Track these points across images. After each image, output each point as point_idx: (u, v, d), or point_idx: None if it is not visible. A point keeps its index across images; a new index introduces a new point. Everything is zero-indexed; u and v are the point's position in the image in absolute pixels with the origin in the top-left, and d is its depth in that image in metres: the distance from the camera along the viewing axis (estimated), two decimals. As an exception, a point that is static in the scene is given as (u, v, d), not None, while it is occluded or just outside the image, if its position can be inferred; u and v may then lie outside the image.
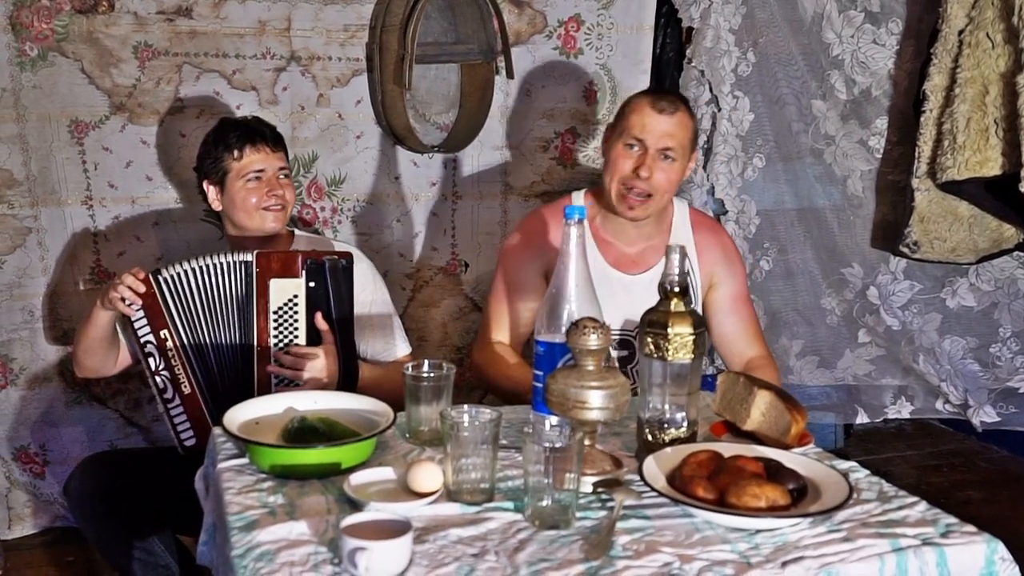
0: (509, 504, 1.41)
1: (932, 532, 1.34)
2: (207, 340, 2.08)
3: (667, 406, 1.56)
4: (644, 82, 3.02)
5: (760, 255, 3.12)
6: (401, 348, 2.32)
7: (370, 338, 2.27)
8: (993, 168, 2.51)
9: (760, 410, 1.59)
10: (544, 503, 1.35)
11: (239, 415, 1.64)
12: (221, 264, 2.08)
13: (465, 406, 1.49)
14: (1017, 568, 1.32)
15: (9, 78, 2.48)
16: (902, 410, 3.03)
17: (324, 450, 1.51)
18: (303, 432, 1.59)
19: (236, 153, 2.20)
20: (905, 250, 2.74)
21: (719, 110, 3.08)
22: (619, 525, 1.34)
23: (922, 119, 2.62)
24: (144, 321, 2.07)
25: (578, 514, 1.37)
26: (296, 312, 2.06)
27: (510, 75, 2.81)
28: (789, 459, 1.47)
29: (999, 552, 1.31)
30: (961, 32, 2.53)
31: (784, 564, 1.25)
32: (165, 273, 2.07)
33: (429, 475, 1.41)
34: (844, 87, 2.87)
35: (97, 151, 2.60)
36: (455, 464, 1.42)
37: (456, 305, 3.04)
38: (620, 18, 3.00)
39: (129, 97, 2.60)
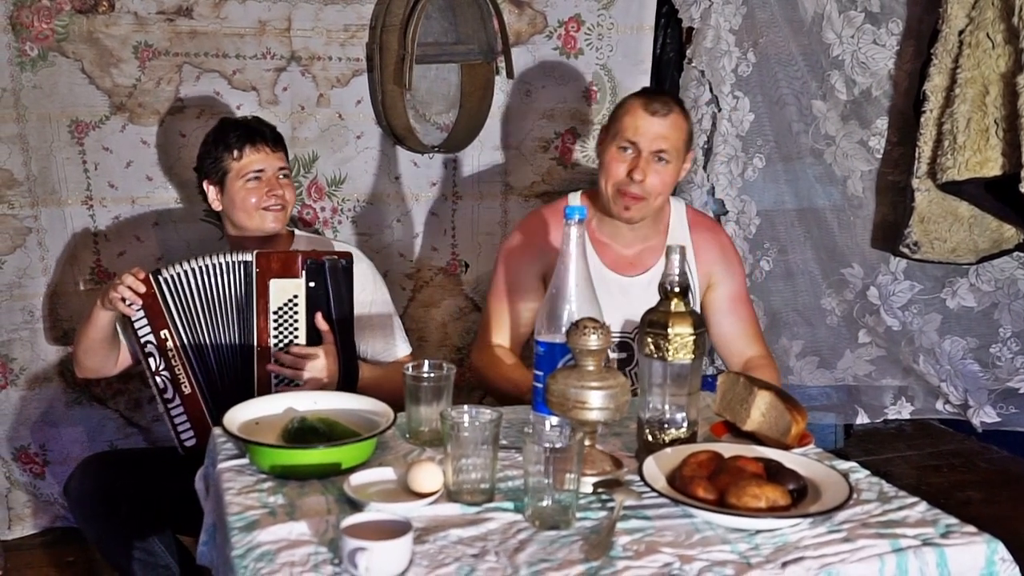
0: (509, 504, 1.41)
1: (932, 532, 1.33)
2: (207, 340, 2.08)
3: (667, 406, 1.56)
4: (644, 82, 3.02)
5: (760, 255, 3.12)
6: (401, 348, 2.32)
7: (370, 338, 2.27)
8: (993, 168, 2.51)
9: (760, 410, 1.59)
10: (544, 503, 1.35)
11: (239, 415, 1.64)
12: (221, 264, 2.08)
13: (465, 406, 1.49)
14: (1017, 568, 1.32)
15: (9, 78, 2.48)
16: (902, 410, 3.03)
17: (324, 450, 1.51)
18: (303, 432, 1.59)
19: (236, 153, 2.20)
20: (905, 250, 2.74)
21: (719, 110, 3.08)
22: (619, 525, 1.34)
23: (922, 119, 2.62)
24: (144, 321, 2.07)
25: (578, 514, 1.37)
26: (296, 312, 2.06)
27: (510, 75, 2.81)
28: (789, 459, 1.47)
29: (999, 552, 1.31)
30: (961, 32, 2.53)
31: (784, 564, 1.25)
32: (165, 273, 2.07)
33: (429, 475, 1.41)
34: (844, 87, 2.87)
35: (97, 151, 2.60)
36: (455, 464, 1.42)
37: (456, 305, 3.04)
38: (620, 18, 3.00)
39: (129, 97, 2.60)
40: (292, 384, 2.04)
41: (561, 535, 1.33)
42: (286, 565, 1.24)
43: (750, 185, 3.10)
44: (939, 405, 2.97)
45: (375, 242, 2.90)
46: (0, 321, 2.61)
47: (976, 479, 3.37)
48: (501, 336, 2.25)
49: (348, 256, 2.10)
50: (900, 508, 1.41)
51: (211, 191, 2.25)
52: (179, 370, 2.07)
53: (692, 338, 1.53)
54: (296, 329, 2.06)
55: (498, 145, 2.98)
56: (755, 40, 3.01)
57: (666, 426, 1.56)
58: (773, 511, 1.33)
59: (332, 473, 1.50)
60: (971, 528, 1.35)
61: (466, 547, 1.29)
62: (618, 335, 2.18)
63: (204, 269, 2.08)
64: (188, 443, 2.08)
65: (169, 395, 2.08)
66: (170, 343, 2.07)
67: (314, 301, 2.06)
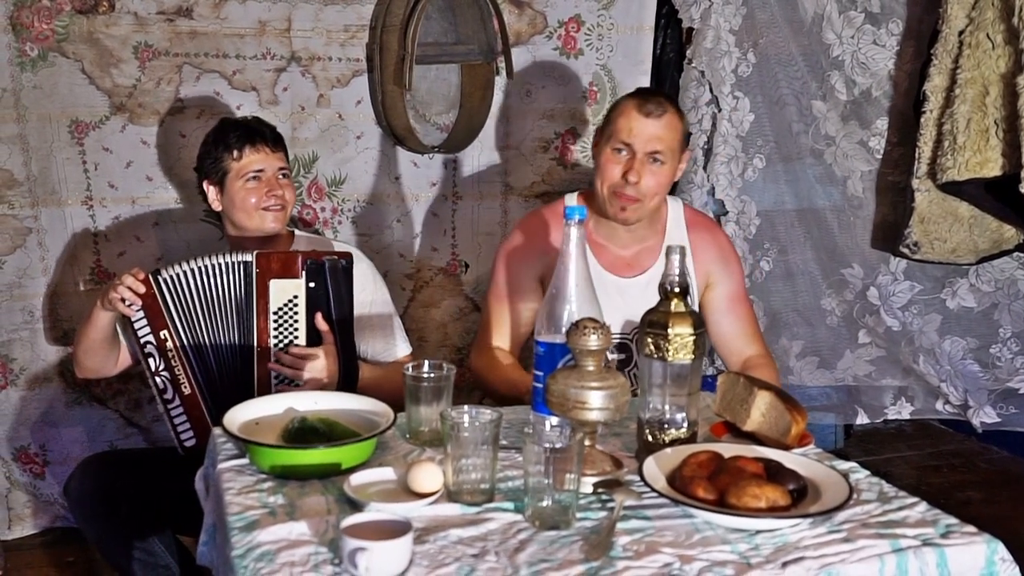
0: (509, 504, 1.41)
1: (932, 533, 1.34)
2: (207, 340, 2.08)
3: (667, 407, 1.56)
4: (644, 83, 3.02)
5: (760, 256, 3.12)
6: (401, 348, 2.32)
7: (370, 338, 2.27)
8: (993, 169, 2.51)
9: (760, 411, 1.59)
10: (544, 504, 1.35)
11: (239, 415, 1.64)
12: (221, 264, 2.08)
13: (465, 407, 1.49)
14: (1017, 568, 1.32)
15: (9, 78, 2.48)
16: (902, 411, 3.03)
17: (324, 450, 1.51)
18: (303, 432, 1.59)
19: (236, 153, 2.20)
20: (905, 251, 2.74)
21: (719, 111, 3.08)
22: (619, 526, 1.34)
23: (922, 120, 2.62)
24: (144, 321, 2.07)
25: (578, 515, 1.37)
26: (296, 312, 2.06)
27: (510, 76, 2.81)
28: (789, 460, 1.47)
29: (999, 552, 1.31)
30: (961, 33, 2.53)
31: (784, 565, 1.25)
32: (165, 273, 2.07)
33: (429, 475, 1.41)
34: (844, 88, 2.87)
35: (97, 151, 2.60)
36: (455, 464, 1.42)
37: (456, 305, 3.04)
38: (620, 19, 3.00)
39: (129, 97, 2.60)
40: (292, 384, 2.04)
41: (561, 535, 1.33)
42: (286, 565, 1.24)
43: (750, 185, 3.10)
44: (939, 405, 2.97)
45: (375, 242, 2.90)
46: (0, 321, 2.61)
47: (976, 479, 3.37)
48: (500, 337, 2.25)
49: (348, 256, 2.10)
50: (900, 508, 1.41)
51: (211, 191, 2.25)
52: (179, 370, 2.07)
53: (692, 338, 1.53)
54: (296, 329, 2.06)
55: (498, 145, 2.98)
56: (755, 40, 3.01)
57: (666, 426, 1.56)
58: (773, 511, 1.33)
59: (332, 473, 1.50)
60: (971, 528, 1.35)
61: (466, 547, 1.29)
62: (616, 336, 2.18)
63: (204, 269, 2.08)
64: (188, 443, 2.08)
65: (169, 395, 2.08)
66: (170, 343, 2.07)
67: (314, 301, 2.06)
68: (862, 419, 3.09)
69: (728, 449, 1.50)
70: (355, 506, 1.38)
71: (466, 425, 1.44)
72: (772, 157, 3.06)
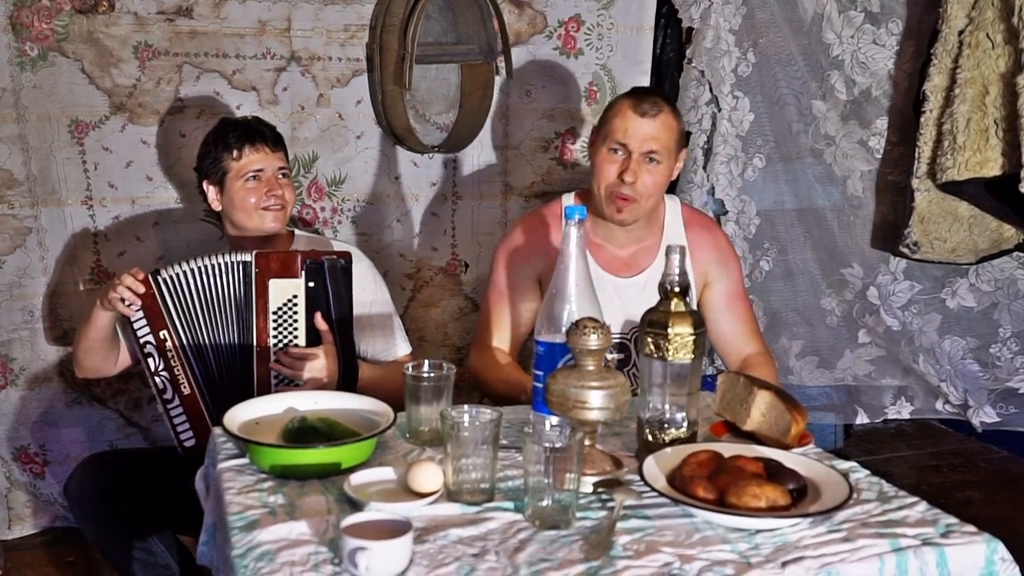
0: (509, 504, 1.41)
1: (932, 532, 1.34)
2: (207, 341, 2.08)
3: (667, 406, 1.56)
4: (644, 82, 3.02)
5: (760, 255, 3.12)
6: (401, 348, 2.32)
7: (370, 338, 2.27)
8: (993, 168, 2.51)
9: (760, 410, 1.59)
10: (544, 503, 1.35)
11: (239, 415, 1.65)
12: (220, 264, 2.08)
13: (465, 406, 1.49)
14: (1017, 568, 1.32)
15: (9, 78, 2.48)
16: (902, 410, 3.03)
17: (324, 450, 1.51)
18: (303, 432, 1.59)
19: (235, 153, 2.20)
20: (905, 250, 2.74)
21: (719, 110, 3.08)
22: (619, 525, 1.35)
23: (922, 119, 2.62)
24: (143, 322, 2.06)
25: (578, 514, 1.37)
26: (295, 312, 2.06)
27: (510, 75, 2.81)
28: (789, 459, 1.47)
29: (999, 552, 1.31)
30: (961, 32, 2.53)
31: (784, 564, 1.25)
32: (164, 274, 2.07)
33: (429, 475, 1.41)
34: (844, 87, 2.87)
35: (97, 151, 2.60)
36: (455, 464, 1.42)
37: (456, 305, 3.04)
38: (620, 18, 3.00)
39: (129, 97, 2.60)
40: (292, 384, 2.04)
41: (561, 535, 1.33)
42: (286, 565, 1.24)
43: (750, 185, 3.10)
44: (939, 405, 2.97)
45: (375, 242, 2.90)
46: (0, 321, 2.61)
47: (976, 479, 3.37)
48: (498, 338, 2.25)
49: (347, 256, 2.10)
50: (900, 508, 1.41)
51: (211, 191, 2.25)
52: (178, 371, 2.07)
53: (692, 338, 1.53)
54: (296, 329, 2.06)
55: (498, 145, 2.98)
56: (755, 40, 3.01)
57: (666, 426, 1.57)
58: (773, 511, 1.33)
59: (332, 473, 1.50)
60: (971, 528, 1.35)
61: (466, 547, 1.29)
62: (615, 336, 2.17)
63: (203, 269, 2.08)
64: (187, 443, 2.08)
65: (168, 395, 2.08)
66: (169, 344, 2.07)
67: (313, 301, 2.06)
68: (862, 419, 3.09)
69: (728, 449, 1.50)
70: (355, 506, 1.38)
71: (466, 425, 1.44)
72: (772, 157, 3.06)
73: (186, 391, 2.07)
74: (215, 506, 1.55)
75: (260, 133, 2.23)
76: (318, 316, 2.06)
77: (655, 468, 1.45)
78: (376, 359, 2.28)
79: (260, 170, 2.21)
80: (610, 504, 1.41)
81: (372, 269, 2.33)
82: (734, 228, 3.12)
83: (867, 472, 1.55)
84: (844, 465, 1.56)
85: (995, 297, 2.84)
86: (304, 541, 1.30)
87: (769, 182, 3.08)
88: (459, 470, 1.42)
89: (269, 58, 2.70)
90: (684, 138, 2.23)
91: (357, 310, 2.16)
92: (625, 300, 2.20)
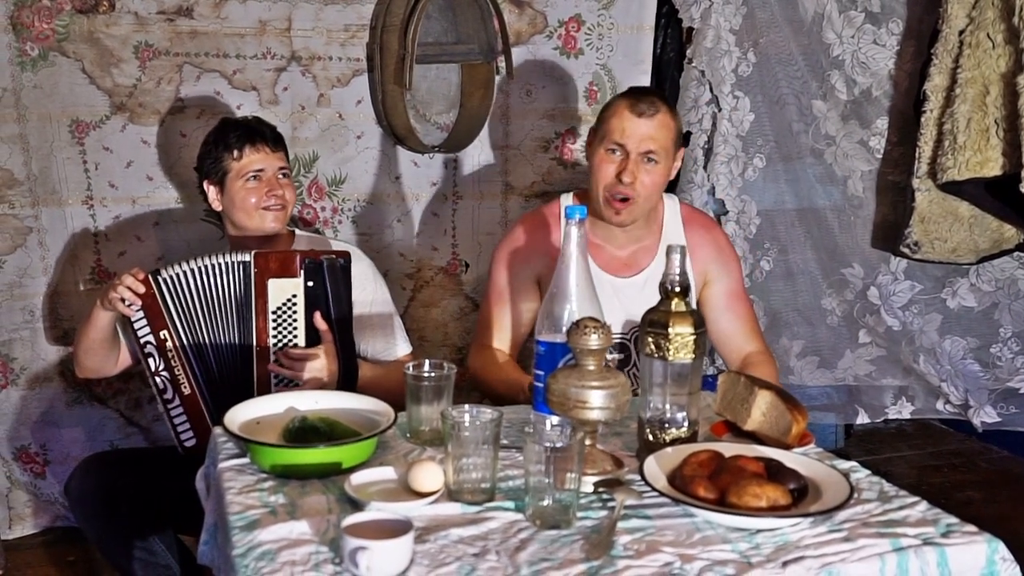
0: (510, 504, 1.41)
1: (933, 532, 1.34)
2: (207, 340, 2.08)
3: (668, 406, 1.56)
4: (644, 82, 3.02)
5: (760, 255, 3.12)
6: (402, 348, 2.32)
7: (371, 338, 2.27)
8: (993, 168, 2.51)
9: (761, 410, 1.59)
10: (545, 503, 1.35)
11: (240, 415, 1.65)
12: (220, 264, 2.08)
13: (466, 406, 1.49)
14: (1018, 568, 1.32)
15: (10, 78, 2.48)
16: (902, 410, 3.03)
17: (325, 450, 1.51)
18: (304, 432, 1.59)
19: (236, 153, 2.20)
20: (906, 250, 2.74)
21: (719, 110, 3.08)
22: (620, 525, 1.35)
23: (922, 119, 2.62)
24: (144, 322, 2.06)
25: (579, 514, 1.37)
26: (295, 312, 2.06)
27: (510, 75, 2.81)
28: (790, 459, 1.47)
29: (1000, 552, 1.31)
30: (962, 32, 2.53)
31: (785, 564, 1.25)
32: (164, 274, 2.07)
33: (430, 475, 1.41)
34: (844, 87, 2.87)
35: (98, 151, 2.60)
36: (456, 464, 1.42)
37: (456, 305, 3.04)
38: (620, 18, 3.00)
39: (130, 97, 2.60)
40: (292, 384, 2.04)
41: (562, 534, 1.33)
42: (287, 564, 1.24)
43: (750, 185, 3.10)
44: (939, 405, 2.97)
45: (375, 242, 2.90)
46: (0, 321, 2.61)
47: (976, 479, 3.37)
48: (497, 338, 2.25)
49: (346, 255, 2.10)
50: (901, 508, 1.41)
51: (211, 191, 2.25)
52: (179, 371, 2.07)
53: (693, 338, 1.53)
54: (295, 329, 2.06)
55: (498, 145, 2.98)
56: (755, 40, 3.01)
57: (667, 426, 1.56)
58: (774, 510, 1.33)
59: (333, 472, 1.50)
60: (972, 527, 1.35)
61: (467, 546, 1.29)
62: (615, 336, 2.17)
63: (203, 269, 2.08)
64: (188, 443, 2.08)
65: (169, 395, 2.08)
66: (169, 343, 2.07)
67: (313, 300, 2.06)
68: (862, 419, 3.09)
69: (729, 448, 1.50)
70: (356, 505, 1.38)
71: (467, 424, 1.44)
72: (772, 157, 3.06)
73: (186, 391, 2.07)
74: (216, 506, 1.55)
75: (260, 133, 2.23)
76: (317, 315, 2.06)
77: (656, 468, 1.45)
78: (376, 359, 2.28)
79: (261, 170, 2.21)
80: (611, 504, 1.41)
81: (372, 269, 2.33)
82: (734, 228, 3.12)
83: (868, 472, 1.55)
84: (845, 465, 1.56)
85: (996, 297, 2.84)
86: (305, 541, 1.30)
87: (769, 182, 3.08)
88: (460, 470, 1.42)
89: (269, 58, 2.70)
90: (682, 137, 2.23)
91: (357, 310, 2.15)
92: (625, 300, 2.20)
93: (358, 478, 1.45)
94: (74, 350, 2.27)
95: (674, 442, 1.55)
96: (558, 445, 1.34)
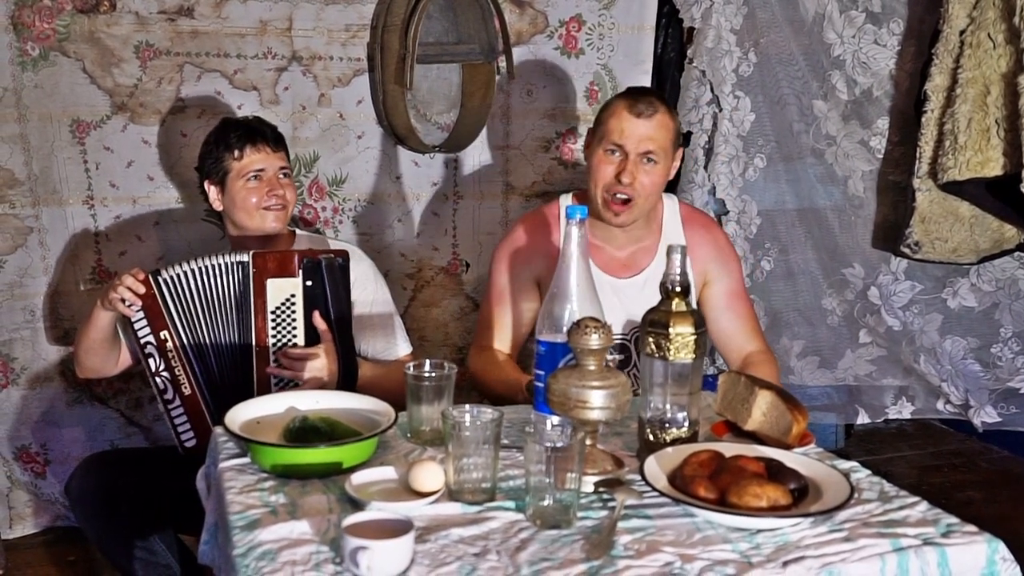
0: (510, 504, 1.41)
1: (933, 532, 1.33)
2: (207, 341, 2.08)
3: (668, 406, 1.56)
4: (645, 82, 3.02)
5: (761, 255, 3.12)
6: (402, 348, 2.32)
7: (371, 338, 2.27)
8: (994, 168, 2.51)
9: (761, 410, 1.59)
10: (545, 503, 1.35)
11: (241, 414, 1.65)
12: (219, 265, 2.08)
13: (467, 406, 1.49)
14: (1018, 568, 1.32)
15: (11, 78, 2.48)
16: (903, 410, 3.03)
17: (325, 449, 1.51)
18: (304, 431, 1.59)
19: (237, 153, 2.20)
20: (906, 250, 2.74)
21: (720, 110, 3.08)
22: (620, 525, 1.35)
23: (923, 119, 2.62)
24: (144, 322, 2.06)
25: (579, 514, 1.37)
26: (294, 311, 2.06)
27: (511, 75, 2.81)
28: (790, 459, 1.47)
29: (1000, 552, 1.31)
30: (962, 32, 2.53)
31: (785, 564, 1.25)
32: (164, 274, 2.07)
33: (430, 475, 1.41)
34: (845, 87, 2.87)
35: (98, 151, 2.60)
36: (456, 464, 1.42)
37: (457, 305, 3.04)
38: (621, 18, 3.00)
39: (130, 97, 2.60)
40: (292, 384, 2.04)
41: (562, 534, 1.33)
42: (287, 564, 1.24)
43: (751, 185, 3.10)
44: (940, 405, 2.97)
45: (376, 242, 2.90)
46: (1, 320, 2.61)
47: (977, 479, 3.37)
48: (497, 338, 2.25)
49: (344, 254, 2.10)
50: (901, 508, 1.41)
51: (212, 191, 2.25)
52: (179, 371, 2.07)
53: (693, 338, 1.53)
54: (294, 328, 2.06)
55: (499, 145, 2.98)
56: (756, 40, 3.01)
57: (667, 425, 1.56)
58: (774, 510, 1.33)
59: (333, 472, 1.50)
60: (972, 528, 1.35)
61: (467, 546, 1.29)
62: (615, 337, 2.17)
63: (202, 270, 2.08)
64: (188, 444, 2.08)
65: (169, 396, 2.08)
66: (170, 344, 2.07)
67: (311, 300, 2.06)
68: (863, 419, 3.09)
69: (729, 448, 1.50)
70: (356, 505, 1.38)
71: (467, 424, 1.44)
72: (773, 157, 3.06)
73: (187, 391, 2.07)
74: (216, 505, 1.55)
75: (261, 133, 2.23)
76: (316, 315, 2.06)
77: (656, 468, 1.45)
78: (377, 359, 2.28)
79: (261, 170, 2.21)
80: (611, 504, 1.41)
81: (373, 269, 2.33)
82: (735, 228, 3.12)
83: (868, 472, 1.55)
84: (845, 465, 1.56)
85: (996, 297, 2.84)
86: (305, 540, 1.30)
87: (770, 182, 3.08)
88: (460, 470, 1.42)
89: (270, 58, 2.70)
90: (681, 137, 2.23)
91: (358, 310, 2.15)
92: (625, 301, 2.19)
93: (359, 478, 1.45)
94: (75, 350, 2.27)
95: (674, 442, 1.55)
96: (559, 445, 1.34)
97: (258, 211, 2.21)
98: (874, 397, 3.07)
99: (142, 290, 2.04)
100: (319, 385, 2.01)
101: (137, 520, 2.12)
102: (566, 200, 2.30)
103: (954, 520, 1.37)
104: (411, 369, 1.67)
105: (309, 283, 2.05)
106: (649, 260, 2.25)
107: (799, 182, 3.03)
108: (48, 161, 2.57)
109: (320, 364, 2.04)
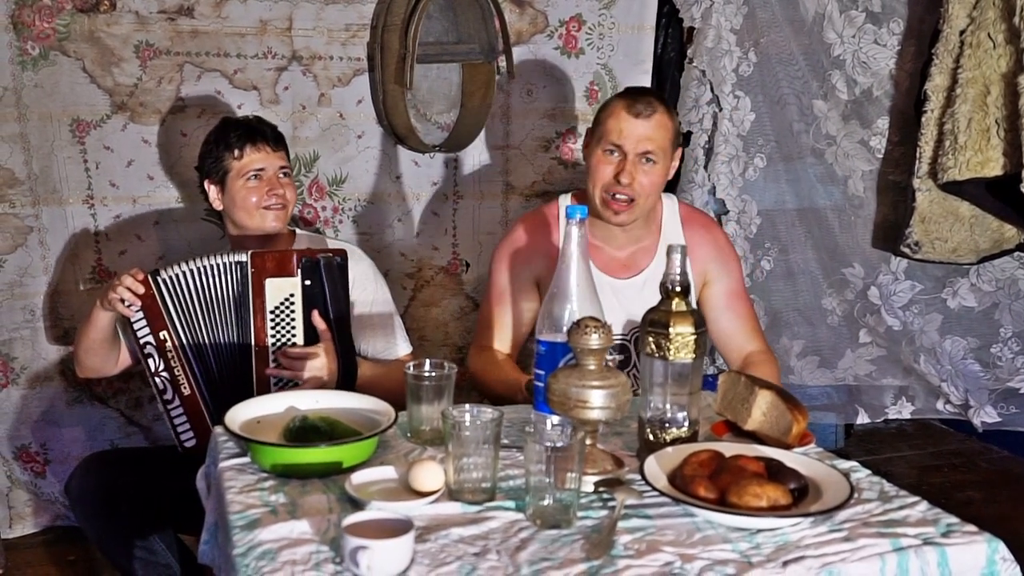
0: (510, 503, 1.41)
1: (933, 532, 1.34)
2: (206, 341, 2.08)
3: (668, 406, 1.56)
4: (645, 82, 3.02)
5: (761, 255, 3.12)
6: (402, 347, 2.32)
7: (371, 337, 2.27)
8: (994, 168, 2.51)
9: (761, 410, 1.59)
10: (545, 502, 1.35)
11: (240, 414, 1.65)
12: (217, 265, 2.08)
13: (467, 405, 1.49)
14: (1018, 568, 1.32)
15: (11, 77, 2.48)
16: (903, 410, 3.03)
17: (325, 449, 1.51)
18: (304, 431, 1.59)
19: (237, 152, 2.20)
20: (906, 250, 2.74)
21: (720, 110, 3.08)
22: (620, 524, 1.35)
23: (923, 119, 2.62)
24: (143, 322, 2.06)
25: (579, 513, 1.37)
26: (293, 311, 2.06)
27: (511, 75, 2.81)
28: (790, 459, 1.47)
29: (1000, 552, 1.31)
30: (962, 32, 2.53)
31: (785, 564, 1.25)
32: (164, 274, 2.07)
33: (430, 474, 1.41)
34: (845, 87, 2.87)
35: (98, 150, 2.60)
36: (456, 463, 1.42)
37: (457, 305, 3.04)
38: (621, 18, 3.00)
39: (130, 96, 2.60)
40: (292, 383, 2.04)
41: (562, 534, 1.33)
42: (287, 564, 1.24)
43: (751, 185, 3.10)
44: (940, 405, 2.97)
45: (376, 241, 2.90)
46: (1, 320, 2.61)
47: (977, 479, 3.37)
48: (497, 338, 2.25)
49: (342, 253, 2.10)
50: (901, 507, 1.41)
51: (212, 190, 2.25)
52: (178, 371, 2.07)
53: (693, 338, 1.53)
54: (293, 328, 2.06)
55: (499, 145, 2.98)
56: (756, 40, 3.01)
57: (667, 425, 1.56)
58: (774, 510, 1.33)
59: (333, 472, 1.50)
60: (972, 527, 1.35)
61: (467, 546, 1.29)
62: (615, 338, 2.17)
63: (201, 270, 2.08)
64: (188, 444, 2.08)
65: (168, 396, 2.08)
66: (169, 344, 2.07)
67: (310, 299, 2.06)
68: (863, 419, 3.09)
69: (729, 448, 1.50)
70: (356, 505, 1.38)
71: (467, 424, 1.44)
72: (773, 156, 3.06)
73: (186, 391, 2.07)
74: (216, 505, 1.55)
75: (261, 132, 2.23)
76: (315, 314, 2.06)
77: (656, 467, 1.45)
78: (377, 358, 2.28)
79: (261, 169, 2.21)
80: (611, 503, 1.41)
81: (373, 268, 2.33)
82: (735, 228, 3.12)
83: (868, 472, 1.55)
84: (845, 465, 1.56)
85: (996, 297, 2.84)
86: (305, 540, 1.30)
87: (770, 182, 3.08)
88: (460, 469, 1.42)
89: (270, 57, 2.70)
90: (680, 137, 2.23)
91: (358, 309, 2.15)
92: (624, 301, 2.19)
93: (359, 477, 1.45)
94: (74, 350, 2.27)
95: (674, 442, 1.56)
96: (559, 445, 1.34)
97: (258, 210, 2.21)
98: (874, 397, 3.07)
99: (141, 290, 2.04)
100: (319, 385, 2.01)
101: (137, 520, 2.12)
102: (566, 200, 2.30)
103: (954, 520, 1.37)
104: (411, 369, 1.67)
105: (308, 282, 2.05)
106: (649, 260, 2.25)
107: (799, 182, 3.03)
108: (48, 160, 2.57)
109: (319, 363, 2.04)
